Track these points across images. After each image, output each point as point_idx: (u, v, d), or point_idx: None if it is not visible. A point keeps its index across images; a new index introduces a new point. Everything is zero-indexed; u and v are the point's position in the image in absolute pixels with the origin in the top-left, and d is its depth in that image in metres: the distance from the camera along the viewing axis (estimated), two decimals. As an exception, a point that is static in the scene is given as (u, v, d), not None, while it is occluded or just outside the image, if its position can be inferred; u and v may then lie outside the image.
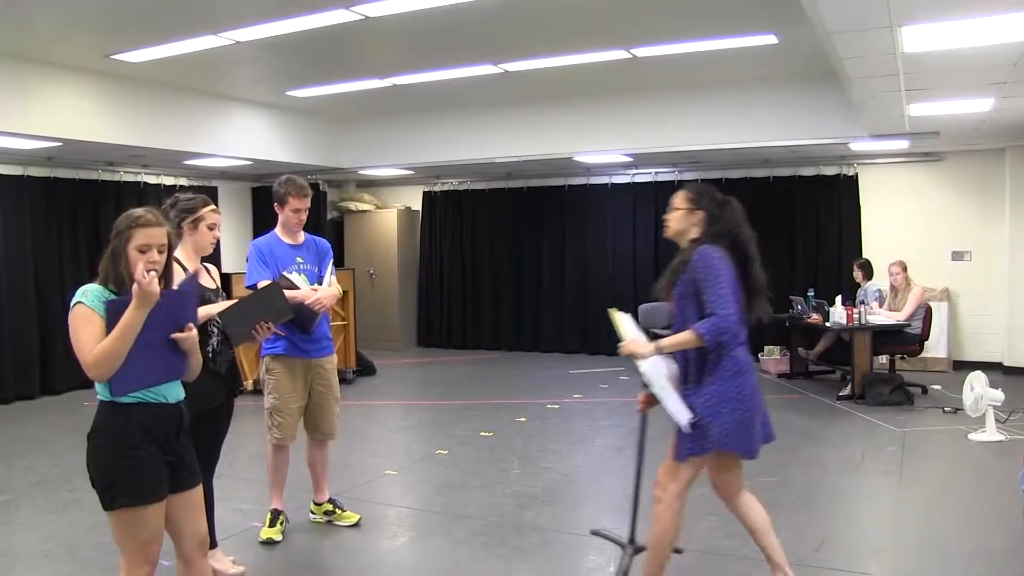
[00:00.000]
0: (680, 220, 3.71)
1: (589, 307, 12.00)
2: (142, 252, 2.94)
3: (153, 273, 2.86)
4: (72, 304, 2.91)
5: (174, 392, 3.05)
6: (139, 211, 3.03)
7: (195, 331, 3.07)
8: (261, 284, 4.56)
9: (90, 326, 2.87)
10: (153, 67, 7.84)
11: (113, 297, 2.91)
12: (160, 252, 2.98)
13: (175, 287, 3.16)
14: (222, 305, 3.95)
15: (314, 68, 8.34)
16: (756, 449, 3.61)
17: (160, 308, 2.89)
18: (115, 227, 3.00)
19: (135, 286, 2.81)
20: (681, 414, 3.49)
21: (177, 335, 2.99)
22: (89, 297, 2.90)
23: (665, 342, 3.57)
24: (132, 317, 2.83)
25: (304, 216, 4.81)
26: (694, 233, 3.68)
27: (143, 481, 2.92)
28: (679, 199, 3.73)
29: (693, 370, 3.59)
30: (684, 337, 3.51)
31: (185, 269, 3.98)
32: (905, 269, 8.97)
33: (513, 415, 8.12)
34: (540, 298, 12.61)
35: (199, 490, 3.16)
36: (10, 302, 9.18)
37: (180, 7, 6.08)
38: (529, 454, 6.64)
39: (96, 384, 2.95)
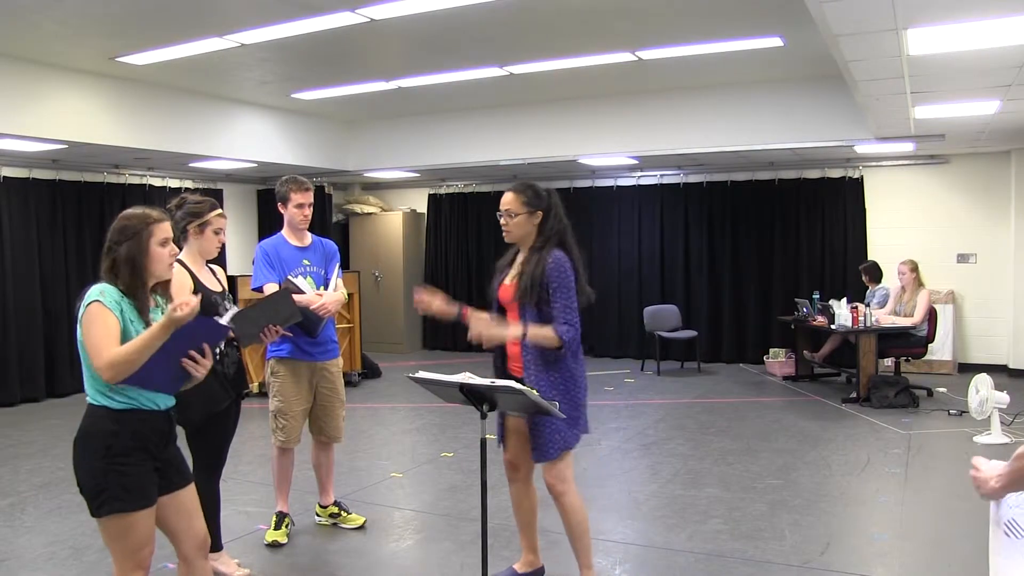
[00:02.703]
0: (523, 225, 3.80)
1: (594, 309, 11.96)
2: (163, 246, 2.99)
3: (196, 303, 2.83)
4: (87, 302, 2.87)
5: (164, 399, 3.03)
6: (145, 209, 3.04)
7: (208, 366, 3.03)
8: (268, 288, 4.57)
9: (106, 326, 2.84)
10: (158, 70, 7.86)
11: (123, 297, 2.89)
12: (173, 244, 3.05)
13: (224, 319, 3.27)
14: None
15: (319, 71, 8.36)
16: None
17: (193, 325, 2.88)
18: (122, 230, 2.95)
19: (174, 311, 2.77)
20: (555, 408, 3.56)
21: (188, 363, 2.95)
22: (107, 297, 2.88)
23: (531, 332, 3.65)
24: (158, 335, 2.80)
25: (308, 212, 4.81)
26: (533, 234, 3.80)
27: (132, 488, 2.90)
28: (515, 203, 3.79)
29: (541, 360, 3.72)
30: (547, 333, 3.65)
31: (193, 274, 3.98)
32: (914, 269, 8.95)
33: (518, 417, 8.09)
34: (545, 300, 12.55)
35: (191, 490, 3.16)
36: (15, 304, 9.20)
37: (185, 10, 6.10)
38: (534, 457, 6.63)
39: (87, 388, 2.94)
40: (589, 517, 4.03)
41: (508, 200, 3.80)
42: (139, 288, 2.95)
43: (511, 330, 3.69)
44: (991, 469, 2.27)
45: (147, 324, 2.94)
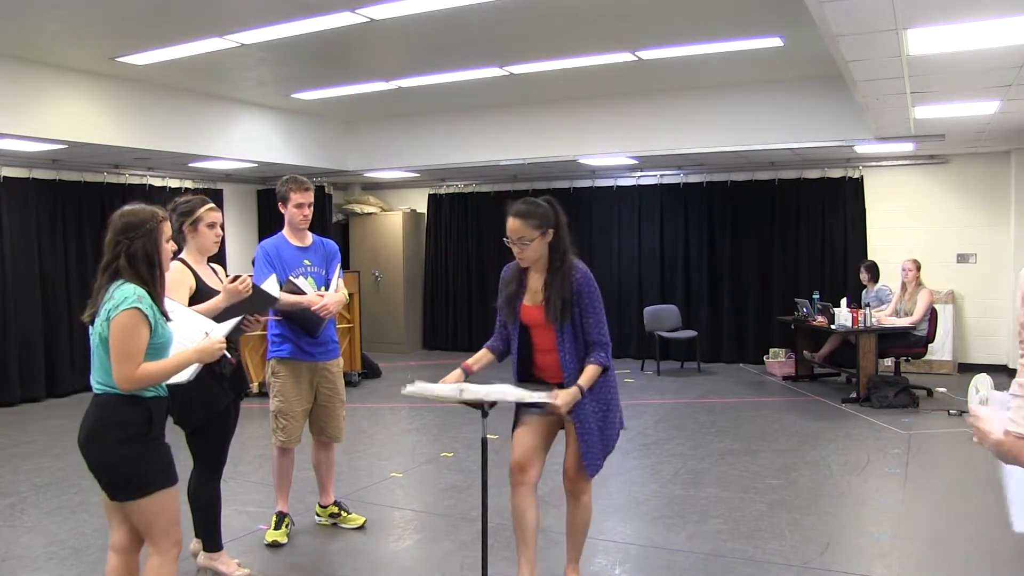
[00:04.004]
0: (538, 248, 3.67)
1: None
2: (167, 243, 3.14)
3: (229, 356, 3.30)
4: (124, 306, 2.91)
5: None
6: (149, 206, 3.14)
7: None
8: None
9: (140, 338, 2.94)
10: (159, 70, 7.86)
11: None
12: None
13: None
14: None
15: (319, 71, 8.36)
16: None
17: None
18: (134, 225, 3.03)
19: (210, 349, 3.16)
20: (539, 396, 3.52)
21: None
22: (144, 303, 2.95)
23: (585, 382, 3.64)
24: (192, 358, 3.13)
25: (308, 212, 4.80)
26: (547, 252, 3.70)
27: (168, 465, 3.10)
28: (525, 230, 3.62)
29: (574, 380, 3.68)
30: (595, 372, 3.66)
31: (195, 273, 4.00)
32: (918, 267, 8.98)
33: (518, 417, 8.09)
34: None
35: None
36: (15, 304, 9.19)
37: (185, 10, 6.10)
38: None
39: (106, 380, 2.99)
40: (588, 517, 4.05)
41: (517, 228, 3.63)
42: (156, 282, 3.05)
43: (574, 394, 3.60)
44: (993, 420, 2.12)
45: (164, 315, 3.08)
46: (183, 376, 3.21)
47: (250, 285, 3.97)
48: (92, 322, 3.01)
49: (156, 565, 3.08)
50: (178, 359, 3.08)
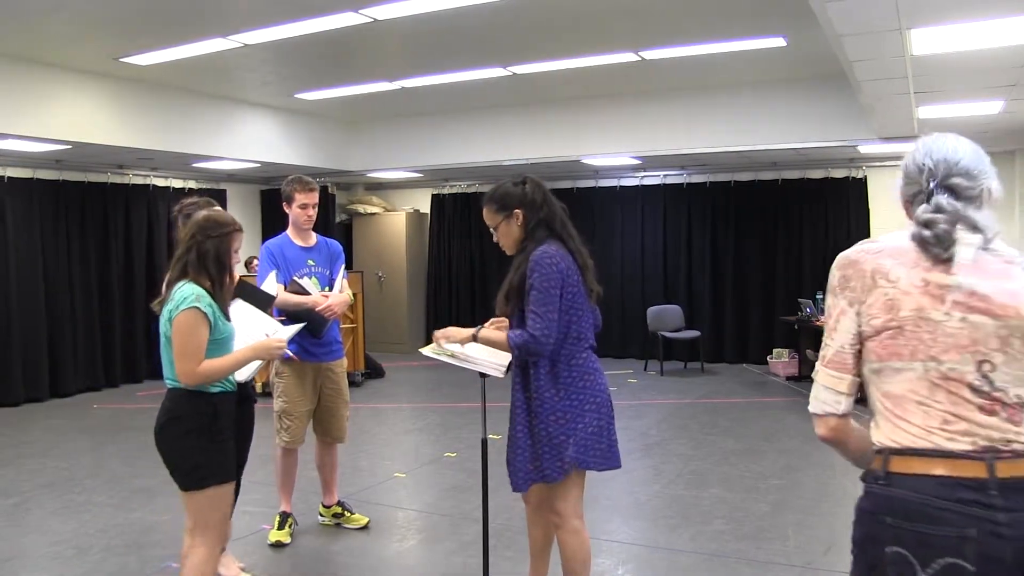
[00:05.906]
0: (508, 232, 3.41)
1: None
2: (235, 254, 3.29)
3: (283, 345, 3.44)
4: (184, 305, 3.04)
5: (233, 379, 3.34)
6: (227, 214, 3.35)
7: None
8: (268, 280, 4.58)
9: (199, 337, 3.06)
10: (162, 70, 7.88)
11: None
12: None
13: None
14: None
15: (323, 71, 8.37)
16: (618, 458, 3.34)
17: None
18: (212, 226, 3.19)
19: (267, 347, 3.34)
20: (491, 367, 3.42)
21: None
22: (203, 302, 3.07)
23: (483, 333, 3.35)
24: (250, 356, 3.27)
25: (313, 213, 4.81)
26: (521, 236, 3.40)
27: (227, 461, 3.23)
28: (489, 215, 3.42)
29: (535, 374, 3.29)
30: (499, 337, 3.28)
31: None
32: None
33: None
34: (548, 301, 12.55)
35: None
36: (19, 304, 9.20)
37: (189, 10, 6.11)
38: (537, 457, 6.62)
39: (171, 375, 3.15)
40: (591, 518, 3.99)
41: (485, 216, 3.46)
42: (225, 283, 3.19)
43: (465, 332, 3.40)
44: None
45: (227, 316, 3.21)
46: (244, 374, 3.34)
47: (236, 277, 3.97)
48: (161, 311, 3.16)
49: (202, 556, 3.18)
50: (237, 357, 3.20)
